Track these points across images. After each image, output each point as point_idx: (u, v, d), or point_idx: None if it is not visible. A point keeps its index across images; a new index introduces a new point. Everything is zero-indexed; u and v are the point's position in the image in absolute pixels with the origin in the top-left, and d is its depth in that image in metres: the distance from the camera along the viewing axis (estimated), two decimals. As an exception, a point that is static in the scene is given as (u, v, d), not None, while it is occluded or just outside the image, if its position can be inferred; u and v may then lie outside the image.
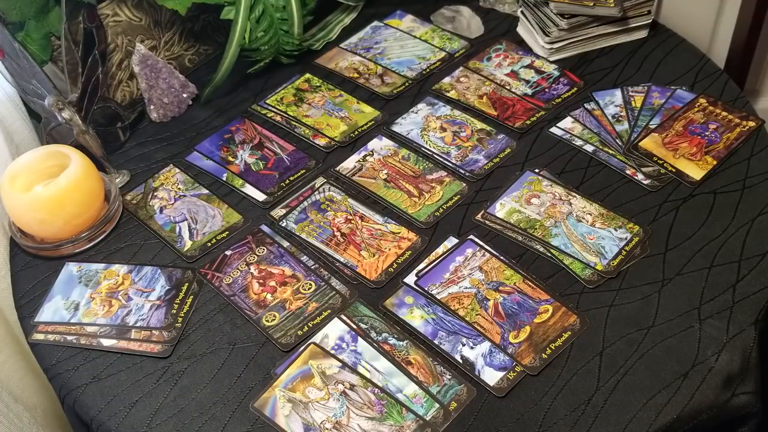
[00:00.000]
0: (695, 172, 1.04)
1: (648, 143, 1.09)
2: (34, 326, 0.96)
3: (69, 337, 0.94)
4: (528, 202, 1.03)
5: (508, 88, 1.21)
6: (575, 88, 1.19)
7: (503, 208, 1.03)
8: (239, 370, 0.89)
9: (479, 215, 1.03)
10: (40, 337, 0.95)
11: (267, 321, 0.93)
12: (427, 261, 0.98)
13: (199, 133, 1.21)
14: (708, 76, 1.18)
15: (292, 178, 1.11)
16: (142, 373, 0.90)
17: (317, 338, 0.90)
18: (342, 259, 0.99)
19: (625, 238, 0.97)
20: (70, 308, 0.97)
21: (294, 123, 1.20)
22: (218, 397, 0.87)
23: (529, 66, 1.24)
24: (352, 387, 0.85)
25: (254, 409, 0.85)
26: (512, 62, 1.25)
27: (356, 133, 1.17)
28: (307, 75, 1.28)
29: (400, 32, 1.34)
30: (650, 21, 1.25)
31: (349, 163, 1.12)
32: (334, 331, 0.91)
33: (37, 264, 1.04)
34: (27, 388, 1.12)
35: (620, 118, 1.13)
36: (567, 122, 1.14)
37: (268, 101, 1.24)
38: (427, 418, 0.82)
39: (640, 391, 0.82)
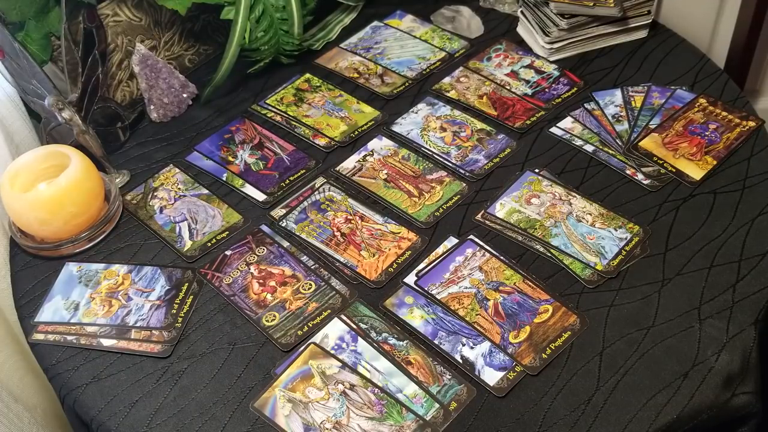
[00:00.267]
0: (695, 172, 1.04)
1: (648, 143, 1.09)
2: (34, 326, 0.96)
3: (69, 337, 0.94)
4: (528, 202, 1.03)
5: (508, 88, 1.21)
6: (575, 88, 1.19)
7: (503, 208, 1.03)
8: (239, 370, 0.89)
9: (479, 215, 1.03)
10: (40, 337, 0.95)
11: (267, 321, 0.93)
12: (427, 261, 0.98)
13: (199, 133, 1.21)
14: (708, 76, 1.18)
15: (292, 178, 1.11)
16: (142, 373, 0.90)
17: (317, 338, 0.90)
18: (342, 259, 0.99)
19: (625, 238, 0.97)
20: (70, 308, 0.97)
21: (294, 123, 1.20)
22: (218, 397, 0.87)
23: (529, 66, 1.24)
24: (352, 387, 0.85)
25: (254, 409, 0.85)
26: (512, 62, 1.25)
27: (356, 133, 1.17)
28: (307, 75, 1.28)
29: (400, 32, 1.34)
30: (650, 21, 1.25)
31: (349, 163, 1.12)
32: (334, 331, 0.91)
33: (37, 264, 1.04)
34: (27, 388, 1.12)
35: (620, 118, 1.13)
36: (567, 122, 1.14)
37: (268, 101, 1.24)
38: (427, 418, 0.82)
39: (640, 391, 0.82)
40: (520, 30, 1.31)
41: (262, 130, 1.19)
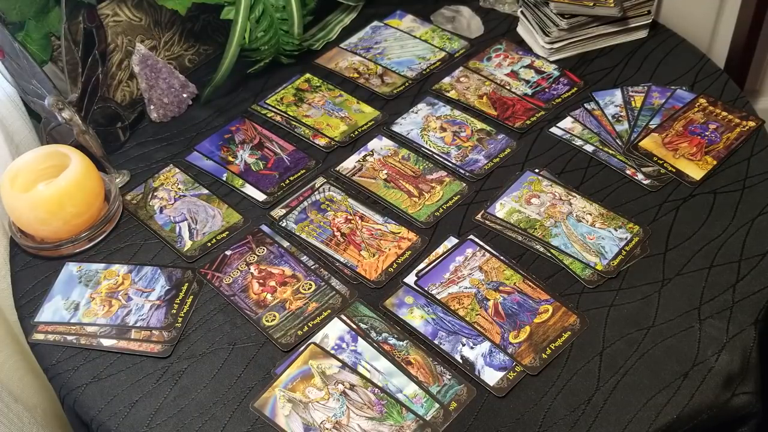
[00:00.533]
0: (695, 172, 1.04)
1: (648, 143, 1.09)
2: (34, 326, 0.96)
3: (69, 337, 0.94)
4: (528, 202, 1.03)
5: (508, 88, 1.21)
6: (575, 88, 1.19)
7: (503, 208, 1.03)
8: (239, 370, 0.89)
9: (479, 215, 1.03)
10: (40, 337, 0.95)
11: (267, 321, 0.93)
12: (427, 261, 0.98)
13: (199, 133, 1.21)
14: (708, 76, 1.18)
15: (292, 178, 1.11)
16: (142, 373, 0.90)
17: (317, 338, 0.90)
18: (342, 259, 0.99)
19: (625, 238, 0.97)
20: (70, 308, 0.97)
21: (294, 123, 1.20)
22: (218, 397, 0.87)
23: (529, 66, 1.24)
24: (352, 387, 0.85)
25: (254, 409, 0.85)
26: (512, 62, 1.25)
27: (356, 133, 1.17)
28: (307, 75, 1.28)
29: (400, 32, 1.34)
30: (650, 21, 1.25)
31: (349, 163, 1.12)
32: (334, 331, 0.91)
33: (37, 264, 1.04)
34: (27, 388, 1.12)
35: (620, 118, 1.13)
36: (567, 122, 1.14)
37: (268, 101, 1.24)
38: (427, 418, 0.82)
39: (640, 391, 0.82)
40: (520, 30, 1.31)
41: (262, 130, 1.19)
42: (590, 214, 1.01)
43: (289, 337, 0.91)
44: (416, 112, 1.19)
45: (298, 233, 1.03)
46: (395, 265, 0.98)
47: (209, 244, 1.03)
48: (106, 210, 1.06)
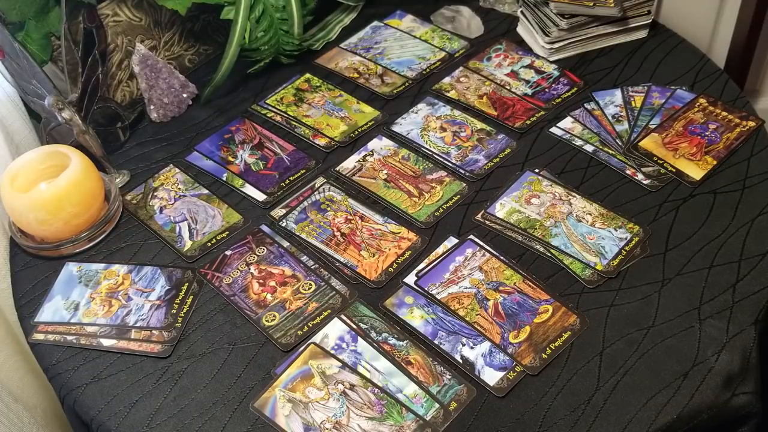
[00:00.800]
0: (695, 172, 1.04)
1: (648, 143, 1.09)
2: (34, 326, 0.96)
3: (69, 337, 0.94)
4: (528, 202, 1.03)
5: (508, 88, 1.21)
6: (575, 88, 1.19)
7: (503, 208, 1.03)
8: (239, 370, 0.89)
9: (479, 215, 1.03)
10: (40, 337, 0.95)
11: (267, 321, 0.93)
12: (427, 261, 0.98)
13: (199, 133, 1.21)
14: (708, 76, 1.18)
15: (292, 178, 1.11)
16: (142, 373, 0.90)
17: (317, 338, 0.90)
18: (342, 259, 0.99)
19: (625, 238, 0.97)
20: (70, 308, 0.97)
21: (294, 123, 1.20)
22: (218, 397, 0.87)
23: (529, 66, 1.24)
24: (352, 387, 0.85)
25: (254, 409, 0.85)
26: (512, 62, 1.25)
27: (356, 133, 1.17)
28: (307, 75, 1.28)
29: (400, 32, 1.34)
30: (650, 21, 1.25)
31: (349, 163, 1.12)
32: (334, 331, 0.91)
33: (37, 264, 1.04)
34: (27, 388, 1.12)
35: (620, 118, 1.13)
36: (567, 122, 1.14)
37: (268, 101, 1.24)
38: (427, 418, 0.82)
39: (640, 391, 0.82)
40: (520, 30, 1.31)
41: (262, 130, 1.19)
42: (590, 214, 1.01)
43: (289, 337, 0.91)
44: (416, 112, 1.19)
45: (298, 233, 1.03)
46: (395, 265, 0.98)
47: (209, 244, 1.03)
48: (106, 210, 1.06)
